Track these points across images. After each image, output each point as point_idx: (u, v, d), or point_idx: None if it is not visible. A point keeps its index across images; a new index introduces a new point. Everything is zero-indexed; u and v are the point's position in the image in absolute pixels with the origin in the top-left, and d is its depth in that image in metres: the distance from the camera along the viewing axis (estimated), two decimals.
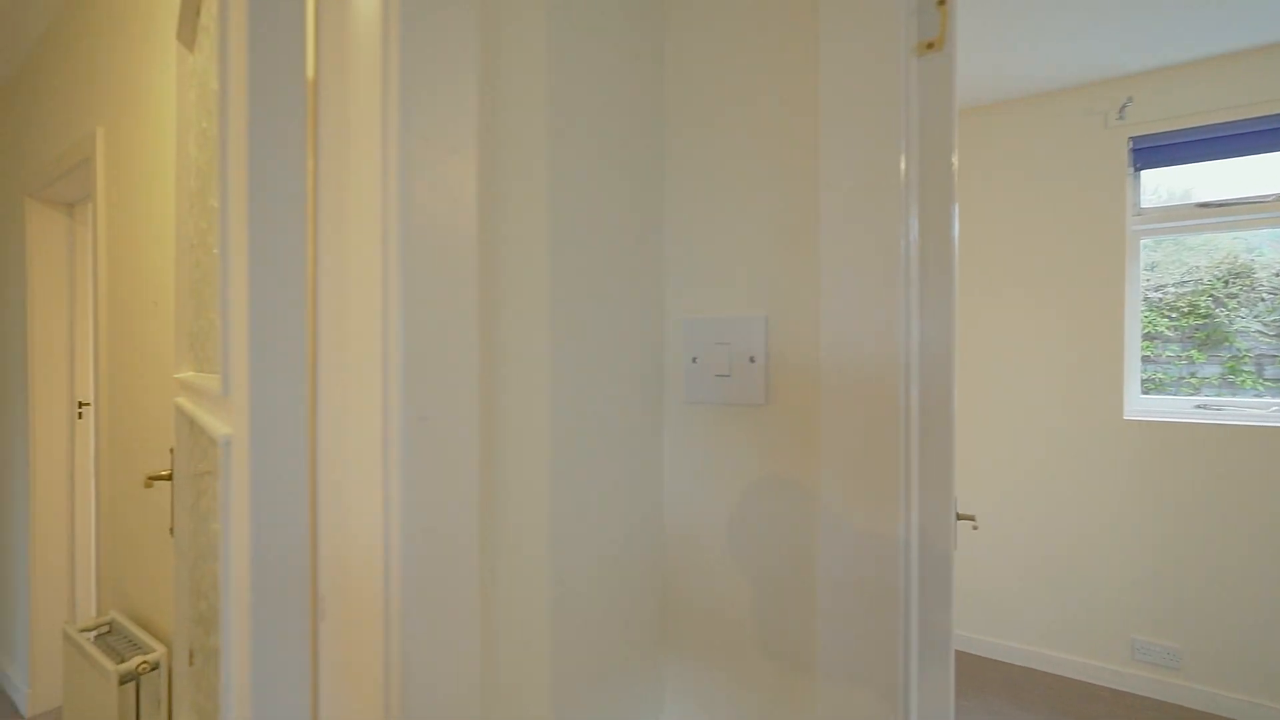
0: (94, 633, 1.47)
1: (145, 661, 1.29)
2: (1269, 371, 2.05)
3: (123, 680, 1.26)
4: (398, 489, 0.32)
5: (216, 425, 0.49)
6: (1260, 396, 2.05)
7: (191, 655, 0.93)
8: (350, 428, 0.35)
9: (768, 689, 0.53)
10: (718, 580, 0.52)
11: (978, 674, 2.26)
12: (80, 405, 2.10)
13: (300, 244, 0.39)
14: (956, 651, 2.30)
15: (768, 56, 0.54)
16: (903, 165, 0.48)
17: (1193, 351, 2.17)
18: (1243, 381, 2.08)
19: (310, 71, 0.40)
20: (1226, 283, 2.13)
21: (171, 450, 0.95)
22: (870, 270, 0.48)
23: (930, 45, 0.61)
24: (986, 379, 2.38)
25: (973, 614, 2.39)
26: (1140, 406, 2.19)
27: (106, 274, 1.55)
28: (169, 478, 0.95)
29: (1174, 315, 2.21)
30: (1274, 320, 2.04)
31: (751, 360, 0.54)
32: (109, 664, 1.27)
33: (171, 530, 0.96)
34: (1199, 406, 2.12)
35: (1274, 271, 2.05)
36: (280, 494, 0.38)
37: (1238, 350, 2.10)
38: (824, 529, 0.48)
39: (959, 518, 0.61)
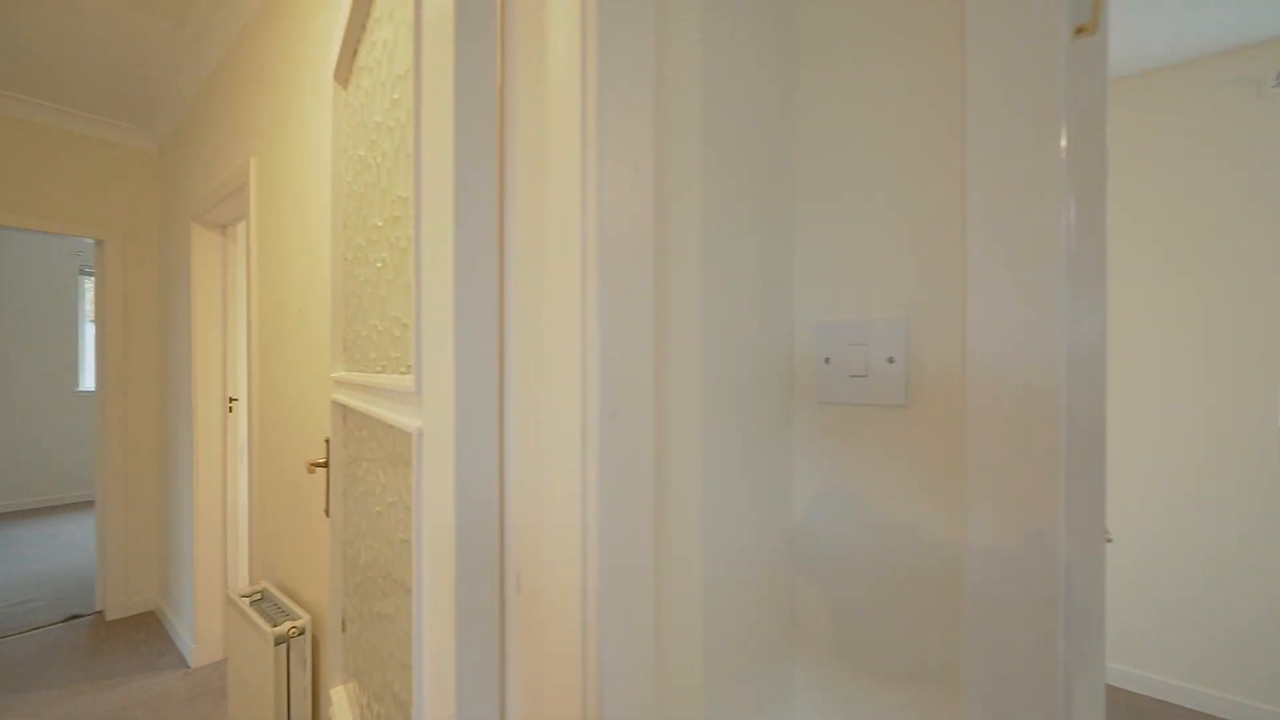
0: (250, 599, 1.68)
1: (295, 626, 1.47)
2: None
3: (277, 641, 1.44)
4: (594, 477, 0.36)
5: (402, 419, 0.56)
6: None
7: (344, 623, 1.05)
8: (549, 421, 0.40)
9: (900, 700, 0.53)
10: (847, 582, 0.53)
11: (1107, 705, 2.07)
12: (230, 401, 2.40)
13: (493, 260, 0.44)
14: None
15: (902, 49, 0.55)
16: (1063, 145, 0.47)
17: None
18: None
19: (498, 104, 0.45)
20: None
21: (326, 440, 1.08)
22: (1026, 264, 0.47)
23: (1081, 30, 0.59)
24: (1124, 380, 2.17)
25: None
26: None
27: (258, 286, 1.77)
28: (325, 465, 1.08)
29: None
30: None
31: (890, 361, 0.54)
32: (266, 627, 1.45)
33: (327, 511, 1.08)
34: None
35: None
36: (476, 480, 0.44)
37: None
38: (972, 542, 0.48)
39: None
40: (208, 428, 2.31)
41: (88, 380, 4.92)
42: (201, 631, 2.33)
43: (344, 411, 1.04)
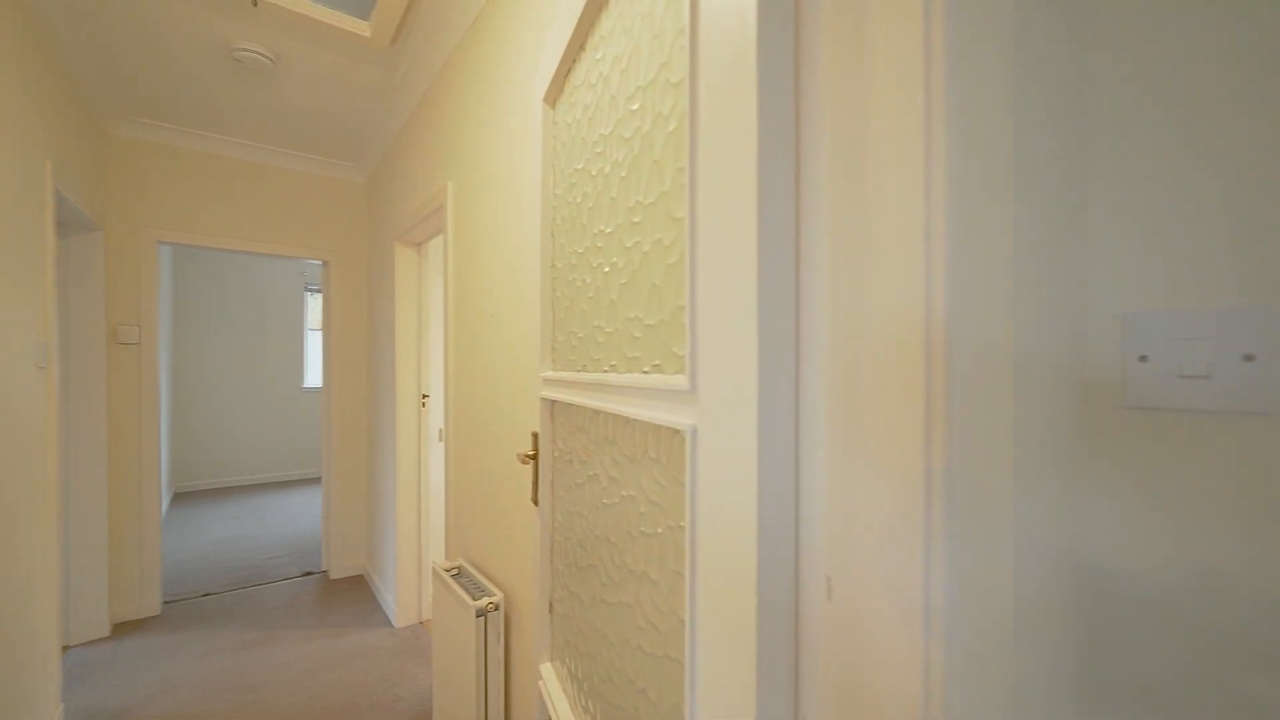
0: (450, 573, 1.90)
1: (492, 603, 1.62)
2: None
3: (477, 614, 1.60)
4: (940, 486, 0.34)
5: (664, 417, 0.57)
6: None
7: (552, 605, 1.13)
8: (872, 428, 0.38)
9: None
10: (1153, 637, 0.43)
11: None
12: (423, 397, 2.74)
13: (790, 260, 0.44)
14: None
15: None
16: None
17: None
18: None
19: (793, 91, 0.44)
20: None
21: (534, 434, 1.17)
22: None
23: None
24: None
25: None
26: None
27: (454, 295, 1.99)
28: (535, 458, 1.17)
29: None
30: None
31: (1248, 359, 0.44)
32: (469, 600, 1.62)
33: (534, 500, 1.18)
34: None
35: None
36: (775, 480, 0.43)
37: None
38: None
39: None
40: (407, 420, 2.66)
41: (309, 379, 5.95)
42: (402, 597, 2.69)
43: (552, 407, 1.12)
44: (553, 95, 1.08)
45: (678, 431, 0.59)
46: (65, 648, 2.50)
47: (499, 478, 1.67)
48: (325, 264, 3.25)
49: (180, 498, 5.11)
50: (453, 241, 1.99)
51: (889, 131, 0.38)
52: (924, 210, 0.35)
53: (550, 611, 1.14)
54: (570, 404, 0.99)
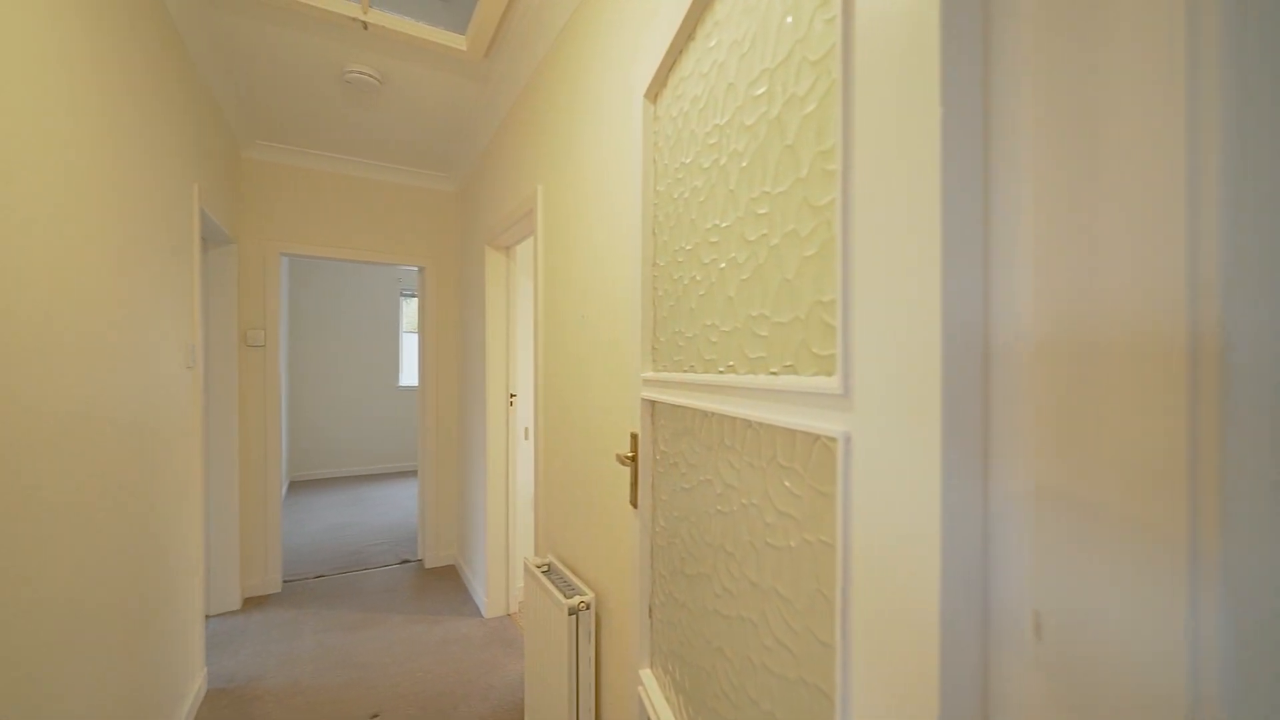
0: (541, 569, 1.93)
1: (583, 601, 1.63)
2: None
3: (569, 612, 1.61)
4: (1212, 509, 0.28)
5: (803, 422, 0.53)
6: None
7: (651, 610, 1.11)
8: (1092, 435, 0.32)
9: None
10: None
11: None
12: (511, 396, 2.83)
13: (978, 256, 0.38)
14: None
15: None
16: None
17: None
18: None
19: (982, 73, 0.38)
20: None
21: (633, 435, 1.16)
22: None
23: None
24: None
25: None
26: None
27: (544, 296, 2.03)
28: (634, 459, 1.16)
29: None
30: None
31: None
32: (561, 598, 1.64)
33: (633, 502, 1.16)
34: None
35: None
36: (958, 498, 0.38)
37: None
38: None
39: None
40: (496, 419, 2.76)
41: (403, 378, 6.37)
42: (491, 589, 2.78)
43: (652, 408, 1.10)
44: (654, 90, 1.06)
45: (818, 438, 0.54)
46: (206, 617, 2.80)
47: (590, 477, 1.68)
48: (421, 270, 3.45)
49: (294, 486, 5.63)
50: (543, 243, 2.03)
51: (1134, 63, 0.31)
52: (1185, 163, 0.29)
53: (650, 616, 1.12)
54: (675, 405, 0.96)
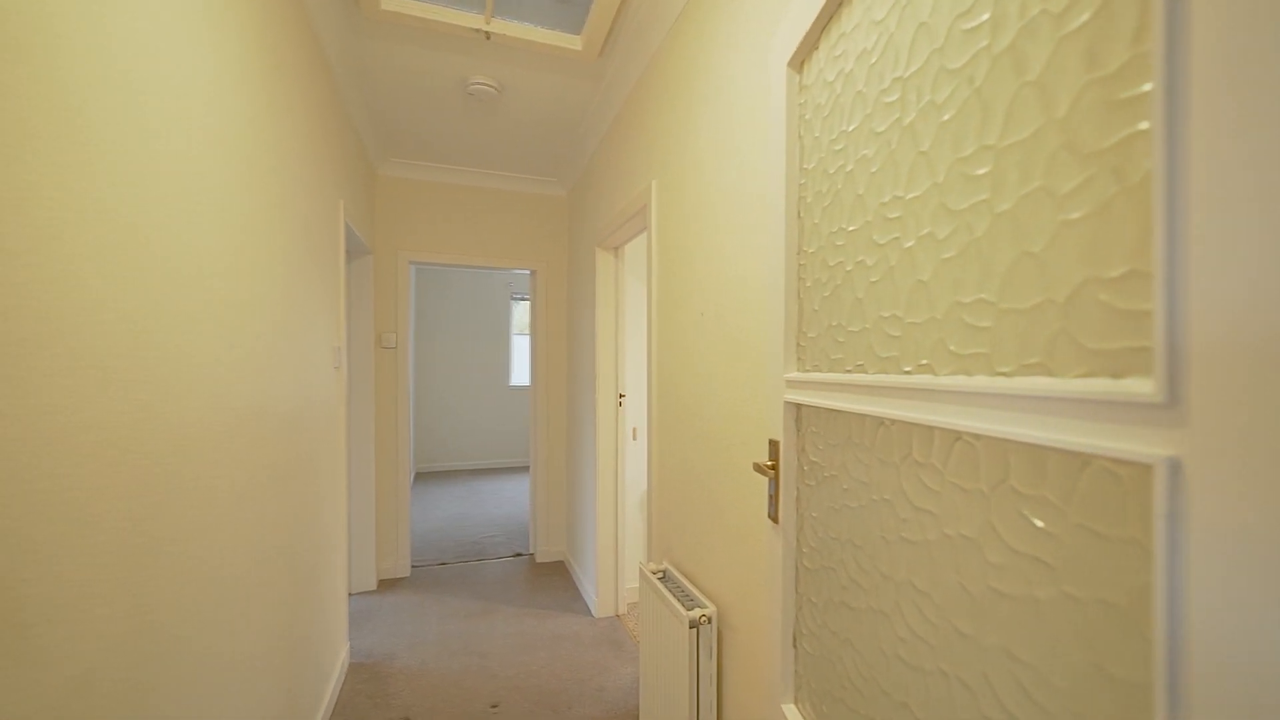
0: (657, 576, 1.87)
1: (704, 615, 1.54)
2: None
3: (690, 625, 1.53)
4: None
5: (1098, 442, 0.39)
6: None
7: (796, 639, 0.99)
8: None
9: None
10: None
11: None
12: (620, 396, 2.81)
13: None
14: None
15: None
16: None
17: None
18: None
19: None
20: None
21: (773, 442, 1.05)
22: None
23: None
24: None
25: None
26: None
27: (658, 293, 1.97)
28: (773, 468, 1.05)
29: None
30: None
31: None
32: (681, 609, 1.56)
33: (772, 517, 1.05)
34: None
35: None
36: None
37: None
38: None
39: None
40: (606, 419, 2.75)
41: (513, 378, 6.69)
42: (601, 589, 2.78)
43: (798, 413, 0.99)
44: (801, 56, 0.94)
45: (1093, 461, 0.41)
46: (349, 595, 3.07)
47: (712, 484, 1.59)
48: (533, 273, 3.55)
49: (419, 477, 6.10)
50: (657, 239, 1.97)
51: None
52: None
53: (794, 646, 1.00)
54: (833, 410, 0.84)
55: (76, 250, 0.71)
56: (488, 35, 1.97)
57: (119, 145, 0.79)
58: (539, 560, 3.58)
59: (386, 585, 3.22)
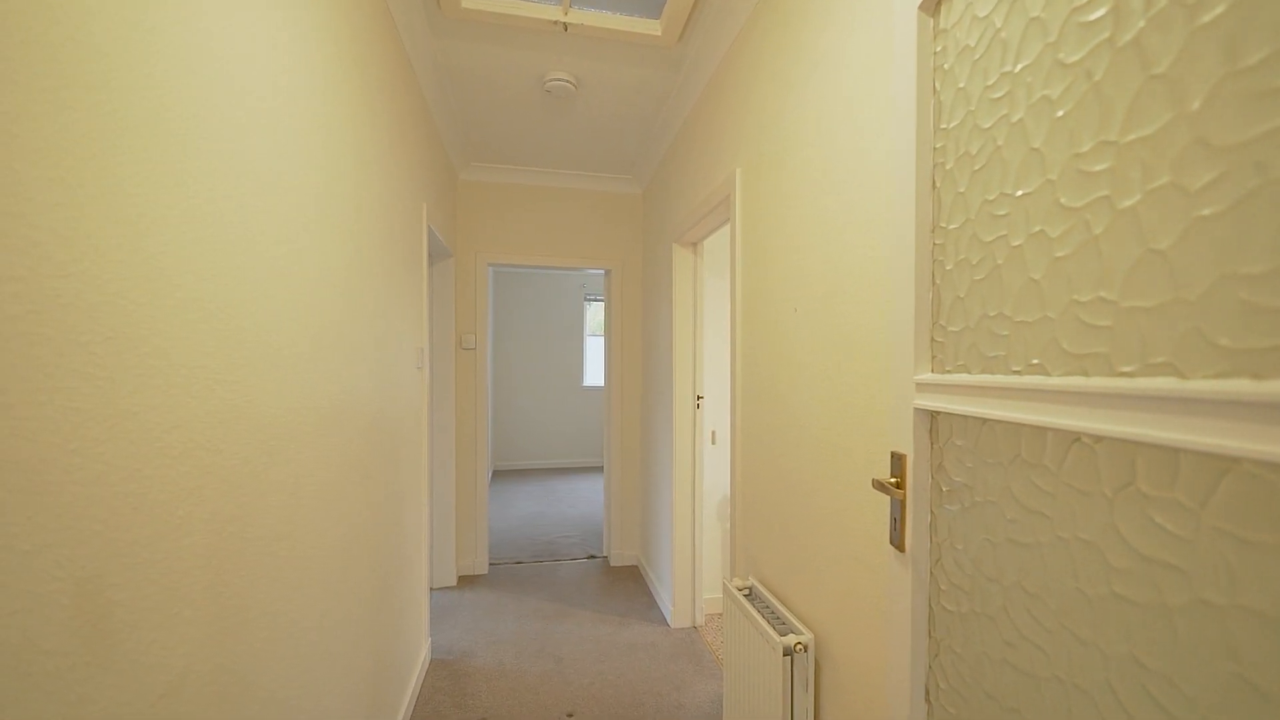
0: (743, 593, 1.74)
1: (800, 643, 1.39)
2: None
3: (785, 652, 1.38)
4: None
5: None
6: None
7: (929, 691, 0.83)
8: None
9: None
10: None
11: None
12: (698, 398, 2.69)
13: None
14: None
15: None
16: None
17: None
18: None
19: None
20: None
21: (897, 456, 0.89)
22: None
23: None
24: None
25: None
26: None
27: (743, 288, 1.83)
28: (899, 485, 0.89)
29: None
30: None
31: None
32: (774, 635, 1.41)
33: (896, 543, 0.89)
34: None
35: None
36: None
37: None
38: None
39: None
40: (683, 422, 2.64)
41: (587, 379, 6.73)
42: (678, 599, 2.67)
43: (932, 421, 0.83)
44: (930, 3, 0.79)
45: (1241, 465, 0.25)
46: (430, 590, 3.15)
47: (810, 496, 1.43)
48: (608, 272, 3.51)
49: (495, 475, 6.27)
50: (741, 230, 1.83)
51: None
52: None
53: (927, 700, 0.84)
54: (987, 421, 0.68)
55: (166, 248, 0.69)
56: (565, 26, 1.92)
57: (213, 144, 0.78)
58: (613, 564, 3.52)
59: (466, 581, 3.28)
